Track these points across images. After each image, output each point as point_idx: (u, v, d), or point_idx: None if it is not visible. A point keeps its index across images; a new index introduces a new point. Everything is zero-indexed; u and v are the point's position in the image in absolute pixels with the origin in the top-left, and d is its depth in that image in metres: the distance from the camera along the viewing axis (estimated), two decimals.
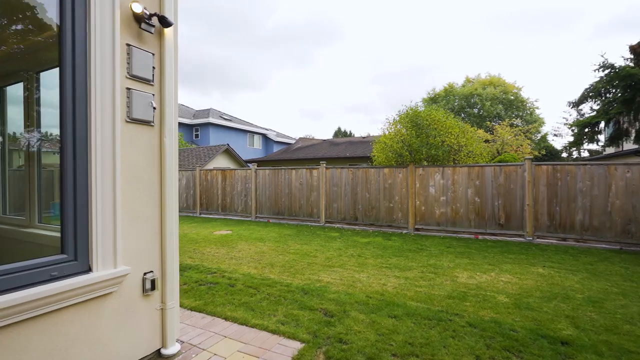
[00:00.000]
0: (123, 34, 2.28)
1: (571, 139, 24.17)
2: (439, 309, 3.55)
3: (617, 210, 6.74)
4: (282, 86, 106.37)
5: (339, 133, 51.88)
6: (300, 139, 27.70)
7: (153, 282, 2.52)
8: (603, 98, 9.97)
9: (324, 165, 10.18)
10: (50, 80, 2.23)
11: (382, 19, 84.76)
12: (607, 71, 9.29)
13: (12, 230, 2.65)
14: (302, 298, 3.84)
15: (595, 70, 9.53)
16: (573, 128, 23.79)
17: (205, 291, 4.09)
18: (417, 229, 8.75)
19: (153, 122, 2.53)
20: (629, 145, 12.62)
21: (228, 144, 18.48)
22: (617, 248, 6.65)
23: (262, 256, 5.99)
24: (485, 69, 53.91)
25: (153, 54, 2.51)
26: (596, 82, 9.80)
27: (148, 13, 2.37)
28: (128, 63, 2.34)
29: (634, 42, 9.36)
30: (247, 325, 3.13)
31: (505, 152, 19.44)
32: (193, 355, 2.64)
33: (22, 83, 2.57)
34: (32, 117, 2.42)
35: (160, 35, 2.56)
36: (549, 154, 25.57)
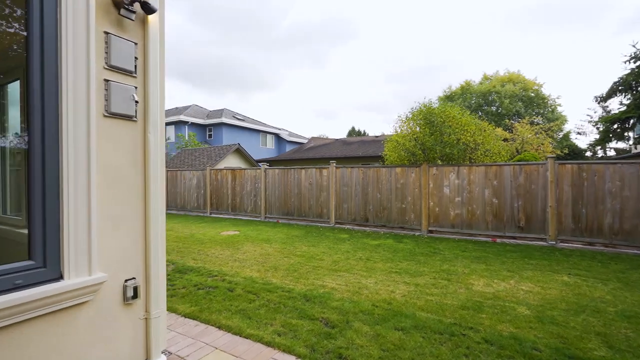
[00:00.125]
0: (100, 20, 2.10)
1: (596, 137, 23.05)
2: (452, 321, 3.23)
3: None
4: (297, 86, 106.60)
5: (352, 132, 51.43)
6: (313, 138, 27.50)
7: (135, 289, 2.33)
8: (634, 92, 9.29)
9: (334, 164, 9.92)
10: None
11: (397, 17, 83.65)
12: (639, 62, 8.63)
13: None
14: (303, 305, 3.60)
15: (625, 62, 8.88)
16: (599, 125, 22.67)
17: (203, 296, 3.91)
18: (430, 231, 8.37)
19: (136, 117, 2.34)
20: None
21: (239, 144, 18.46)
22: None
23: (267, 258, 5.79)
24: (504, 66, 52.30)
25: (135, 44, 2.32)
26: (626, 75, 9.14)
27: None
28: (106, 53, 2.15)
29: None
30: (241, 336, 2.92)
31: (525, 151, 18.65)
32: None
33: None
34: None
35: (144, 23, 2.37)
36: (572, 153, 24.44)
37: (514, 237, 7.43)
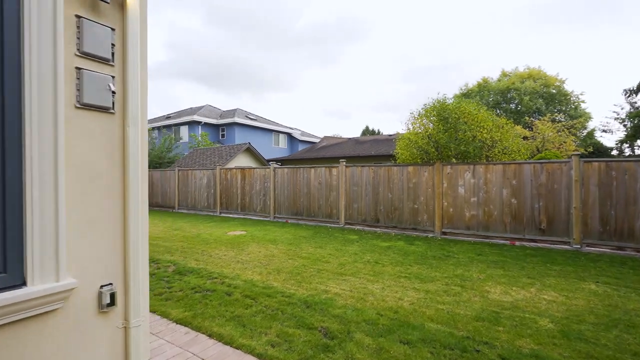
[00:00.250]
0: (70, 2, 1.92)
1: (624, 134, 21.82)
2: (464, 334, 2.92)
3: None
4: (311, 86, 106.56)
5: (366, 132, 50.88)
6: (325, 137, 27.24)
7: (112, 296, 2.15)
8: None
9: (344, 163, 9.64)
10: None
11: (412, 14, 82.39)
12: None
13: None
14: (302, 313, 3.36)
15: None
16: (627, 122, 21.45)
17: (199, 300, 3.73)
18: (444, 233, 7.98)
19: (113, 109, 2.15)
20: None
21: (249, 143, 18.39)
22: None
23: (271, 260, 5.58)
24: (523, 62, 50.52)
25: (112, 29, 2.13)
26: None
27: None
28: (78, 38, 1.97)
29: None
30: (232, 346, 2.71)
31: (546, 149, 17.82)
32: None
33: None
34: None
35: (122, 6, 2.18)
36: (597, 152, 23.26)
37: (534, 240, 6.97)
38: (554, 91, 28.20)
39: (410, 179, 8.48)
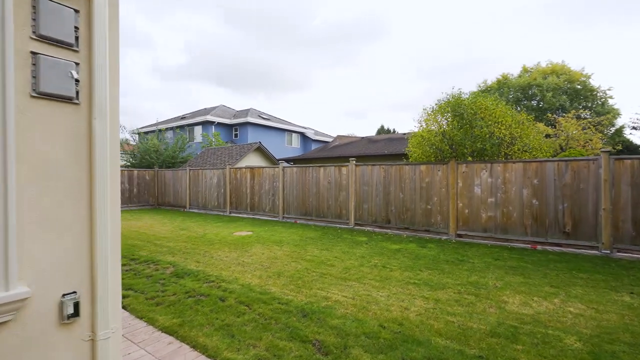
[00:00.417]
0: None
1: None
2: (477, 352, 2.58)
3: None
4: (327, 86, 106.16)
5: (381, 131, 50.15)
6: (338, 136, 26.90)
7: (76, 305, 1.95)
8: None
9: (354, 162, 9.31)
10: None
11: (429, 12, 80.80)
12: None
13: None
14: (298, 323, 3.09)
15: None
16: None
17: (190, 305, 3.52)
18: (459, 235, 7.54)
19: (78, 99, 1.95)
20: None
21: (260, 142, 18.28)
22: None
23: (273, 263, 5.34)
24: (545, 57, 48.56)
25: (76, 11, 1.92)
26: None
27: None
28: (33, 20, 1.76)
29: None
30: None
31: (570, 148, 16.90)
32: None
33: None
34: None
35: None
36: (626, 150, 21.93)
37: (558, 244, 6.45)
38: (579, 87, 26.86)
39: (423, 178, 8.08)
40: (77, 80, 1.92)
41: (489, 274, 4.73)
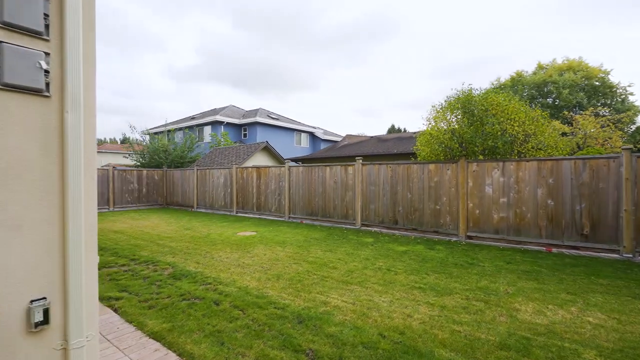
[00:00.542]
0: None
1: None
2: None
3: None
4: (338, 85, 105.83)
5: (392, 130, 49.71)
6: (347, 136, 26.65)
7: (46, 312, 1.82)
8: None
9: (360, 161, 9.10)
10: None
11: (440, 10, 79.54)
12: None
13: None
14: (292, 330, 2.92)
15: None
16: None
17: (183, 309, 3.39)
18: (469, 237, 7.24)
19: (48, 92, 1.82)
20: None
21: (267, 141, 18.19)
22: None
23: (274, 264, 5.19)
24: (562, 54, 47.18)
25: None
26: None
27: None
28: None
29: None
30: None
31: (588, 146, 16.25)
32: None
33: None
34: None
35: None
36: None
37: (575, 247, 6.10)
38: (597, 83, 25.90)
39: (432, 178, 7.80)
40: (46, 71, 1.79)
41: (500, 279, 4.46)
